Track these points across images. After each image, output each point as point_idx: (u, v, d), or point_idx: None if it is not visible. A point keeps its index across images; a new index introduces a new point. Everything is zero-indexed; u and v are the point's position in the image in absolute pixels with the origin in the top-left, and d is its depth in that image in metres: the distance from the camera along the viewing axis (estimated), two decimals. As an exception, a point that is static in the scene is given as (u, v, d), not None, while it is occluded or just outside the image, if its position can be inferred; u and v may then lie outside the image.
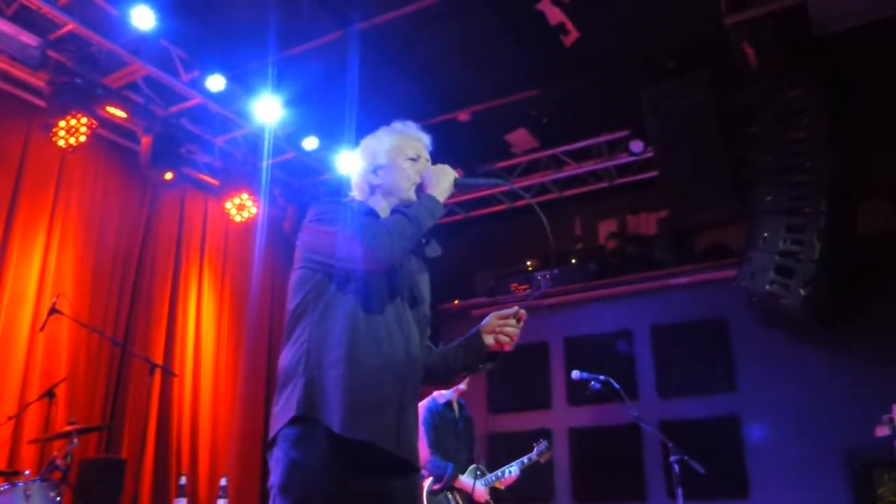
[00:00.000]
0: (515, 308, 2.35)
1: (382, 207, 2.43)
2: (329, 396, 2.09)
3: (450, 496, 4.87)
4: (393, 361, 2.19)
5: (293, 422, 2.08)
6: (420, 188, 2.41)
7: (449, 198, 2.43)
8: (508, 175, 8.62)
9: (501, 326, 2.33)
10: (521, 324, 2.35)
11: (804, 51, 6.23)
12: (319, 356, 2.14)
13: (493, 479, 5.11)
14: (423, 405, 5.11)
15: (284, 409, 2.12)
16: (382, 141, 2.50)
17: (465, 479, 4.95)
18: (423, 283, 2.48)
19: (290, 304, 2.27)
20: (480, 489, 4.95)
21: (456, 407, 5.28)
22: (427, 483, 4.84)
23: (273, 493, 2.06)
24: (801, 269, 6.08)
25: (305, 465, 2.04)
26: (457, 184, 2.41)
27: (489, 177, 2.56)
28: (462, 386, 5.15)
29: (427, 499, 4.78)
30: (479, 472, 5.07)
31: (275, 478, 2.07)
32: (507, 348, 2.34)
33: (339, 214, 2.25)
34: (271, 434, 2.14)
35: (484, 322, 2.39)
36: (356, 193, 2.52)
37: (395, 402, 2.18)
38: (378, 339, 2.18)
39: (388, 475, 2.14)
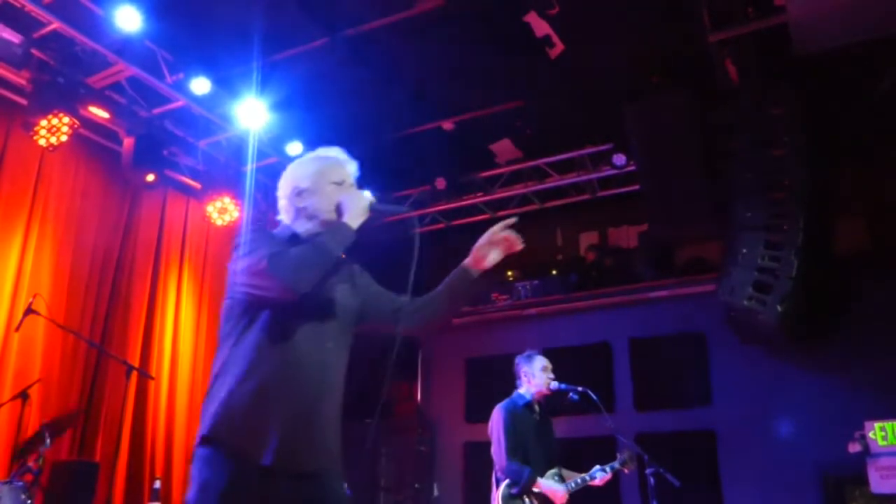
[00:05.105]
0: (502, 223, 2.55)
1: (307, 230, 2.51)
2: (236, 422, 2.19)
3: (527, 500, 4.78)
4: (305, 380, 2.27)
5: (203, 441, 2.20)
6: (339, 212, 2.47)
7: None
8: (491, 185, 8.70)
9: (504, 239, 2.55)
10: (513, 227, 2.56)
11: (785, 70, 6.32)
12: (230, 380, 2.24)
13: (580, 482, 4.95)
14: (500, 407, 5.06)
15: (200, 428, 2.24)
16: (308, 166, 2.59)
17: (545, 483, 4.84)
18: (348, 289, 2.53)
19: (219, 333, 2.39)
20: (560, 493, 4.85)
21: (536, 408, 5.14)
22: (503, 487, 4.79)
23: None
24: (779, 285, 6.14)
25: (214, 484, 2.13)
26: (372, 209, 2.47)
27: (399, 208, 2.59)
28: (545, 389, 5.06)
29: (504, 502, 4.75)
30: (557, 476, 4.98)
31: (189, 495, 2.16)
32: (519, 247, 2.58)
33: (256, 244, 2.32)
34: None
35: (480, 243, 2.57)
36: (283, 216, 2.60)
37: (305, 419, 2.24)
38: (289, 361, 2.27)
39: (298, 488, 2.20)
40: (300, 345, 2.29)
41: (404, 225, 2.54)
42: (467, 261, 2.62)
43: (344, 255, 2.40)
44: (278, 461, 2.15)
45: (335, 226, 2.41)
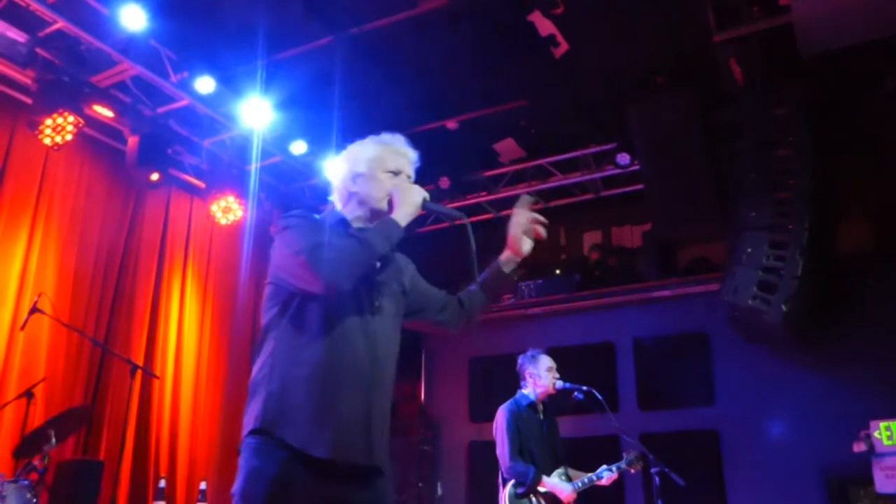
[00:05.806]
0: (522, 200, 2.65)
1: (357, 216, 2.44)
2: (289, 413, 2.13)
3: (533, 499, 4.78)
4: (356, 373, 2.21)
5: (254, 432, 2.14)
6: (391, 203, 2.40)
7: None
8: (495, 184, 8.70)
9: (530, 223, 2.60)
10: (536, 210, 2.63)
11: (790, 70, 6.32)
12: (282, 372, 2.19)
13: (587, 481, 4.94)
14: (503, 408, 5.05)
15: (248, 420, 2.18)
16: (366, 149, 2.49)
17: (551, 482, 4.83)
18: (395, 283, 2.46)
19: (263, 319, 2.31)
20: (567, 491, 4.84)
21: (541, 408, 5.13)
22: (509, 486, 4.80)
23: (234, 500, 2.10)
24: (783, 284, 6.14)
25: (265, 473, 2.08)
26: (425, 206, 2.40)
27: (453, 212, 2.54)
28: (550, 389, 5.05)
29: (510, 502, 4.76)
30: (564, 475, 4.96)
31: (236, 485, 2.11)
32: (542, 236, 2.61)
33: (300, 232, 2.25)
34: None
35: (514, 233, 2.60)
36: (335, 198, 2.52)
37: (359, 413, 2.20)
38: (340, 353, 2.21)
39: (350, 483, 2.16)
40: (349, 337, 2.23)
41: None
42: (504, 254, 2.63)
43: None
44: (333, 454, 2.10)
45: (383, 222, 2.31)
